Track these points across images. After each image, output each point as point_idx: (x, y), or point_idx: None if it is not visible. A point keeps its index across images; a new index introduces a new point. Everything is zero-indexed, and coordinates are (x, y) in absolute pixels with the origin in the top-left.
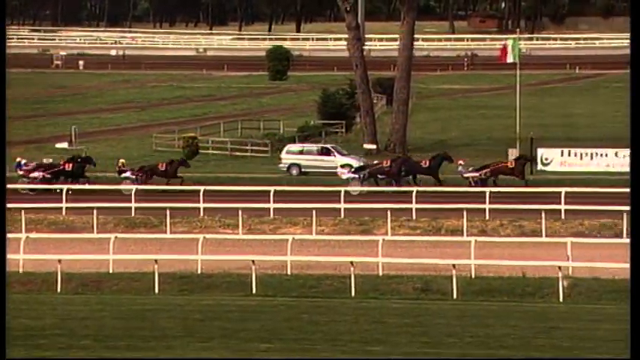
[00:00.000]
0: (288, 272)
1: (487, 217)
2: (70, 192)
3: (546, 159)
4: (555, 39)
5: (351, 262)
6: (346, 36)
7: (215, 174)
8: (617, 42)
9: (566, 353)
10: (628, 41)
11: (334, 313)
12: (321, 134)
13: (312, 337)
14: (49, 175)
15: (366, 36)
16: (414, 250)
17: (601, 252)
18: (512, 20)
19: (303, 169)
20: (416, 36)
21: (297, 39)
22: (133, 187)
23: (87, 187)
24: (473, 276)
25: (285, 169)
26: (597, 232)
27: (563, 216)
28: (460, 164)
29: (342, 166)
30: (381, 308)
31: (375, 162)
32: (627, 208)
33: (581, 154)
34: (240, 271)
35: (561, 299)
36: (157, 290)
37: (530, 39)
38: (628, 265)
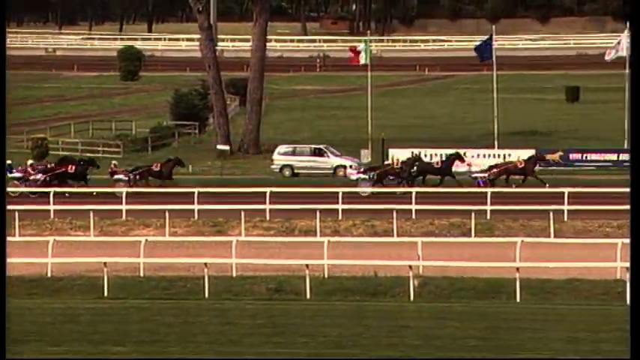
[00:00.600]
0: (141, 274)
1: (340, 218)
2: (68, 195)
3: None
4: (405, 41)
5: (205, 264)
6: (198, 36)
7: None
8: (465, 44)
9: (415, 352)
10: (476, 43)
11: (187, 315)
12: (174, 135)
13: (165, 338)
14: (48, 178)
15: (219, 37)
16: (267, 251)
17: (451, 251)
18: (363, 22)
19: (295, 171)
20: (268, 37)
21: (149, 39)
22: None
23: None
24: (326, 276)
25: (277, 170)
26: (447, 231)
27: (414, 216)
28: (468, 165)
29: (350, 167)
30: (235, 309)
31: (386, 162)
32: (475, 207)
33: (432, 155)
34: (92, 274)
35: (412, 298)
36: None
37: (381, 41)
38: (478, 264)
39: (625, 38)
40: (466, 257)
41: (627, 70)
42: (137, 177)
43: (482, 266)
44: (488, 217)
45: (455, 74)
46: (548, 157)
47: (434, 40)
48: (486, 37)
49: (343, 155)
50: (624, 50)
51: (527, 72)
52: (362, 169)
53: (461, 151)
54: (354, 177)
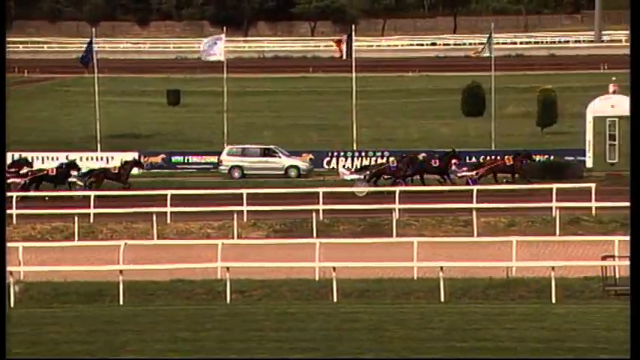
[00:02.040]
0: None
1: None
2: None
3: None
4: None
5: None
6: None
7: None
8: (65, 46)
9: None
10: (77, 45)
11: None
12: None
13: None
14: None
15: None
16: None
17: (51, 255)
18: None
19: (245, 172)
20: None
21: None
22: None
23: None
24: None
25: (225, 171)
26: (49, 235)
27: (14, 220)
28: (454, 163)
29: (343, 167)
30: None
31: (381, 162)
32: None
33: (34, 158)
34: None
35: (12, 304)
36: None
37: None
38: (81, 268)
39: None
40: (69, 262)
41: (225, 75)
42: (92, 180)
43: (86, 270)
44: (92, 220)
45: (55, 76)
46: (152, 159)
47: (32, 43)
48: (88, 39)
49: (292, 156)
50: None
51: (128, 75)
52: (353, 170)
53: (62, 154)
54: (347, 177)
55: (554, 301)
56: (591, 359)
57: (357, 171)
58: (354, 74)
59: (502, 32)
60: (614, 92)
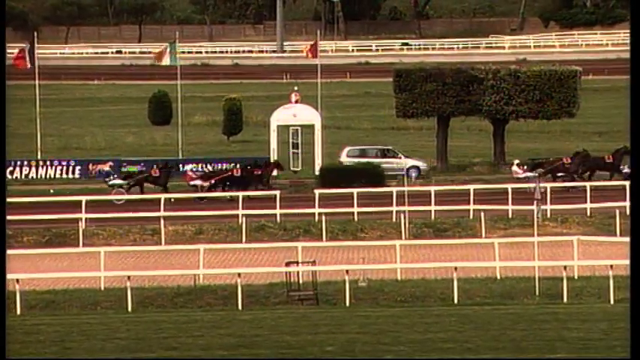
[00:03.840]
0: None
1: None
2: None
3: None
4: None
5: None
6: None
7: None
8: None
9: None
10: None
11: None
12: None
13: None
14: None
15: None
16: None
17: None
18: None
19: None
20: None
21: None
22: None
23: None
24: None
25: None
26: None
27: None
28: (516, 163)
29: (517, 165)
30: None
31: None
32: None
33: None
34: None
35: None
36: None
37: None
38: None
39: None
40: None
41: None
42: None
43: None
44: None
45: None
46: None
47: None
48: None
49: (412, 157)
50: None
51: None
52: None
53: None
54: (521, 176)
55: (240, 307)
56: (591, 358)
57: (532, 168)
58: (37, 82)
59: (187, 41)
60: (296, 102)
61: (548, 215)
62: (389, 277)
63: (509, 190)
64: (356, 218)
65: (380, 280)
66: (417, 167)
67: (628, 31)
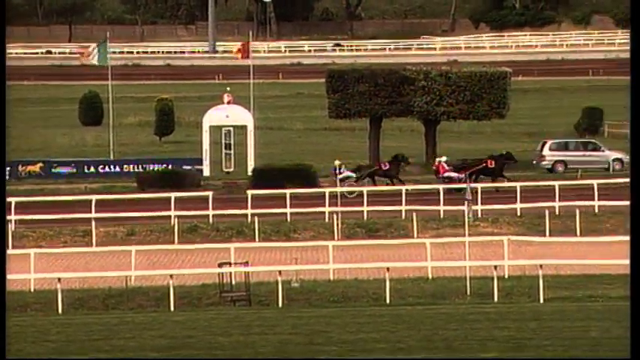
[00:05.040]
0: None
1: None
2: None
3: None
4: None
5: None
6: None
7: None
8: None
9: None
10: None
11: None
12: None
13: None
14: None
15: None
16: None
17: None
18: None
19: (569, 166)
20: None
21: None
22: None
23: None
24: None
25: (549, 166)
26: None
27: None
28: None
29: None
30: None
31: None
32: None
33: None
34: None
35: None
36: None
37: None
38: None
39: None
40: None
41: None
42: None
43: None
44: None
45: None
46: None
47: None
48: None
49: (615, 149)
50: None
51: None
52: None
53: None
54: (446, 175)
55: (172, 308)
56: (593, 359)
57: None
58: None
59: (118, 41)
60: (228, 102)
61: (479, 215)
62: (321, 278)
63: (441, 191)
64: (289, 219)
65: (312, 281)
66: (621, 159)
67: (557, 32)
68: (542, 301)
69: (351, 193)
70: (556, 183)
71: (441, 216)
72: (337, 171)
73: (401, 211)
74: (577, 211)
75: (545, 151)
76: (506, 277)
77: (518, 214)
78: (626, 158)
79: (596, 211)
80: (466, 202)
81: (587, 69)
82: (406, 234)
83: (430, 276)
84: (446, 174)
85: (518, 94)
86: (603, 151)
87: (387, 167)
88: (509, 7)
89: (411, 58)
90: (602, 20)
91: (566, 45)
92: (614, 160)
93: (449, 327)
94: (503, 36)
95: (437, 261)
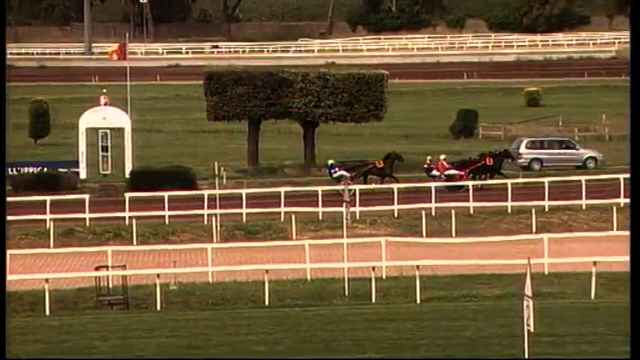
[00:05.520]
0: None
1: None
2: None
3: None
4: None
5: None
6: None
7: None
8: None
9: None
10: None
11: None
12: None
13: None
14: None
15: None
16: None
17: None
18: None
19: (545, 164)
20: None
21: None
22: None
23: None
24: None
25: (526, 164)
26: None
27: None
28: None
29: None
30: None
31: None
32: None
33: None
34: None
35: None
36: None
37: None
38: None
39: None
40: None
41: None
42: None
43: None
44: None
45: None
46: None
47: None
48: None
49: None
50: None
51: None
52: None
53: None
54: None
55: (48, 313)
56: (597, 359)
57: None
58: None
59: None
60: (105, 104)
61: (358, 217)
62: (200, 281)
63: (320, 193)
64: (167, 222)
65: (191, 284)
66: (594, 157)
67: (433, 35)
68: (419, 301)
69: (348, 191)
70: (434, 184)
71: (320, 218)
72: (331, 170)
73: (280, 213)
74: (452, 212)
75: (522, 149)
76: (383, 278)
77: (396, 215)
78: (600, 156)
79: (472, 212)
80: (344, 204)
81: (461, 72)
82: (285, 236)
83: (309, 277)
84: (446, 172)
85: (395, 97)
86: (578, 149)
87: (382, 165)
88: (385, 10)
89: (289, 60)
90: (476, 24)
91: (442, 48)
92: (587, 158)
93: (327, 328)
94: (380, 39)
95: (315, 263)
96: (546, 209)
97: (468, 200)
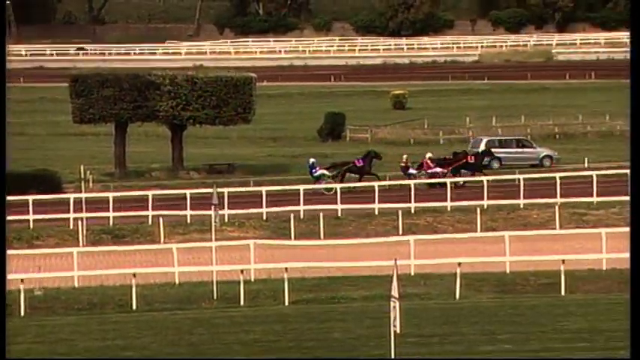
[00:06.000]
0: None
1: None
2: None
3: None
4: None
5: None
6: None
7: None
8: None
9: None
10: None
11: None
12: None
13: None
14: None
15: None
16: None
17: None
18: None
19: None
20: None
21: None
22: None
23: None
24: None
25: (486, 162)
26: None
27: None
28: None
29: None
30: None
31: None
32: None
33: None
34: None
35: None
36: None
37: None
38: None
39: None
40: None
41: None
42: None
43: None
44: None
45: None
46: None
47: None
48: None
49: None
50: None
51: None
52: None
53: None
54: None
55: None
56: (596, 359)
57: (327, 168)
58: None
59: None
60: None
61: (226, 220)
62: (66, 285)
63: (188, 196)
64: (31, 225)
65: (56, 289)
66: (550, 156)
67: (300, 39)
68: (287, 303)
69: (328, 190)
70: (302, 187)
71: (188, 221)
72: (312, 169)
73: (148, 216)
74: (321, 215)
75: (482, 148)
76: (252, 280)
77: (265, 218)
78: (555, 154)
79: (339, 214)
80: (213, 207)
81: (329, 75)
82: (153, 239)
83: (177, 281)
84: (430, 170)
85: (263, 100)
86: (535, 148)
87: (361, 164)
88: (252, 13)
89: (156, 62)
90: (342, 27)
91: (309, 51)
92: (544, 156)
93: (195, 332)
94: (248, 41)
95: (184, 266)
96: (412, 211)
97: (363, 202)
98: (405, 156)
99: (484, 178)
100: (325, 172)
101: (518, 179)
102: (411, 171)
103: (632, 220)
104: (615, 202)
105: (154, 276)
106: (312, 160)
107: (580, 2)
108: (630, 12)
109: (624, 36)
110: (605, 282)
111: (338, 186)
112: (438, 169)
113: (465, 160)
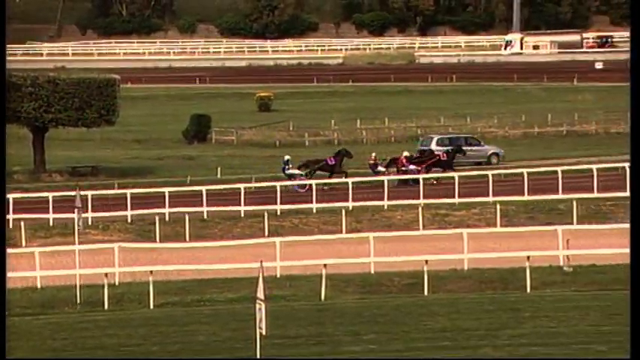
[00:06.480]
0: None
1: None
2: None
3: None
4: None
5: None
6: None
7: None
8: None
9: None
10: None
11: None
12: None
13: None
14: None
15: None
16: None
17: None
18: None
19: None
20: None
21: None
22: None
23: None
24: None
25: None
26: None
27: None
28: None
29: None
30: None
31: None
32: None
33: None
34: None
35: None
36: None
37: None
38: None
39: None
40: None
41: None
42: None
43: None
44: None
45: None
46: None
47: None
48: None
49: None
50: None
51: None
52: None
53: None
54: (288, 172)
55: None
56: (596, 359)
57: (299, 167)
58: None
59: None
60: None
61: (90, 223)
62: None
63: (50, 199)
64: None
65: None
66: (497, 153)
67: (164, 40)
68: (152, 306)
69: (302, 187)
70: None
71: (51, 224)
72: (286, 166)
73: (8, 220)
74: (186, 217)
75: (433, 146)
76: (116, 284)
77: (129, 221)
78: (502, 152)
79: (205, 216)
80: (76, 210)
81: (194, 77)
82: (14, 243)
83: (39, 285)
84: (405, 168)
85: (127, 101)
86: (483, 145)
87: (333, 162)
88: (115, 14)
89: (17, 63)
90: (207, 29)
91: (173, 53)
92: (491, 154)
93: (57, 336)
94: (111, 42)
95: (46, 270)
96: (278, 213)
97: (228, 204)
98: (373, 154)
99: (455, 175)
100: (296, 170)
101: (383, 181)
102: (380, 168)
103: (632, 220)
104: (476, 202)
105: (15, 280)
106: (286, 157)
107: (441, 6)
108: (630, 12)
109: (484, 39)
110: (466, 282)
111: (314, 182)
112: (413, 167)
113: (437, 158)
